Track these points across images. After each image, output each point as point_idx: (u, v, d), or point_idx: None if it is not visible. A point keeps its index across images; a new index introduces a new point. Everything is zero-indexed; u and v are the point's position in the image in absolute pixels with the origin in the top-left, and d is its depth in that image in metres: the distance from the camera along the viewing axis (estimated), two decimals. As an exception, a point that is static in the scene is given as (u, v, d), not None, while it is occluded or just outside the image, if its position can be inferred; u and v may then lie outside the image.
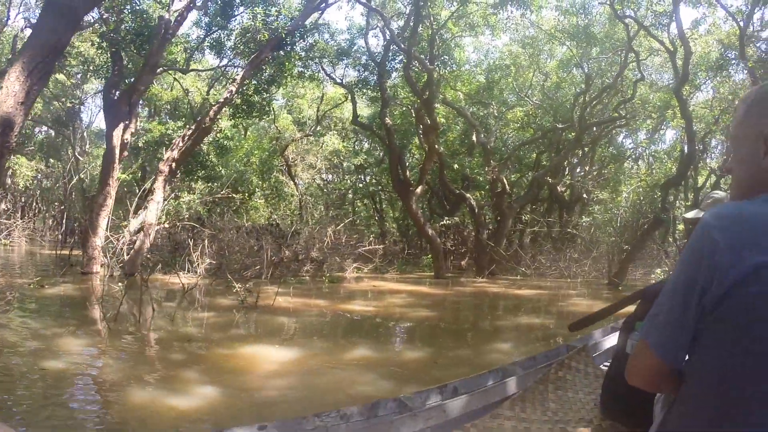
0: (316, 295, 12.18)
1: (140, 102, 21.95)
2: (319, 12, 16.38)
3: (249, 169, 20.19)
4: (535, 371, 3.42)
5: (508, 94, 20.29)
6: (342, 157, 22.64)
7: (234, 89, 15.00)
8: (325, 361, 6.34)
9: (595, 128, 19.45)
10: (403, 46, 14.86)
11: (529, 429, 2.75)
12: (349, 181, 24.03)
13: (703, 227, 1.09)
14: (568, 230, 17.31)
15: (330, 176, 26.78)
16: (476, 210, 17.37)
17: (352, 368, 6.16)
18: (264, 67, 17.19)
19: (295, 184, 22.26)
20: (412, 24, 14.87)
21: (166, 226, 16.76)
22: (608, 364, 3.27)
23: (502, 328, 8.67)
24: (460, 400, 2.82)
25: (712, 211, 1.12)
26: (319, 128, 23.96)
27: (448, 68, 18.40)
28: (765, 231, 1.03)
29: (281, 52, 16.88)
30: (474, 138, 18.83)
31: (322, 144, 21.94)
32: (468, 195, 17.63)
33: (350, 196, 25.19)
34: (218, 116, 15.50)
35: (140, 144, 19.57)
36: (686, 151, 16.58)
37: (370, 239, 19.56)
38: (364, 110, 20.86)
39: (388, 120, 15.85)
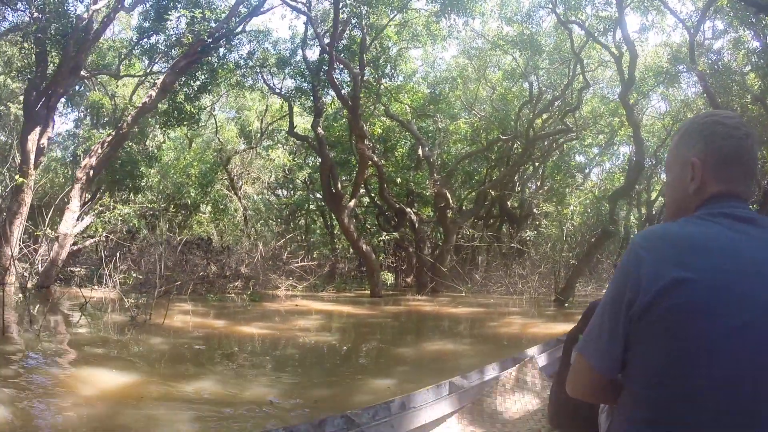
0: (222, 315, 11.20)
1: (84, 109, 21.17)
2: (246, 19, 15.58)
3: (188, 182, 19.20)
4: (482, 384, 3.41)
5: (457, 107, 19.64)
6: (288, 171, 21.75)
7: (153, 94, 14.13)
8: (150, 391, 5.39)
9: (545, 142, 18.87)
10: (327, 48, 14.08)
11: None
12: (299, 195, 23.07)
13: (631, 246, 1.23)
14: (512, 245, 16.50)
15: (284, 191, 25.86)
16: (416, 225, 16.55)
17: (175, 403, 5.20)
18: (197, 74, 16.42)
19: (238, 198, 21.32)
20: (332, 24, 14.12)
21: (101, 238, 15.86)
22: (555, 374, 3.31)
23: (402, 357, 7.46)
24: (408, 414, 2.81)
25: (640, 232, 1.29)
26: (269, 142, 23.15)
27: (392, 80, 17.72)
28: (684, 248, 1.16)
29: (213, 59, 16.11)
30: (420, 152, 18.14)
31: (267, 158, 21.05)
32: (408, 210, 16.84)
33: (303, 212, 24.31)
34: (137, 123, 14.62)
35: (79, 152, 18.66)
36: (634, 159, 15.90)
37: (312, 256, 18.60)
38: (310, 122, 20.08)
39: (320, 130, 15.09)
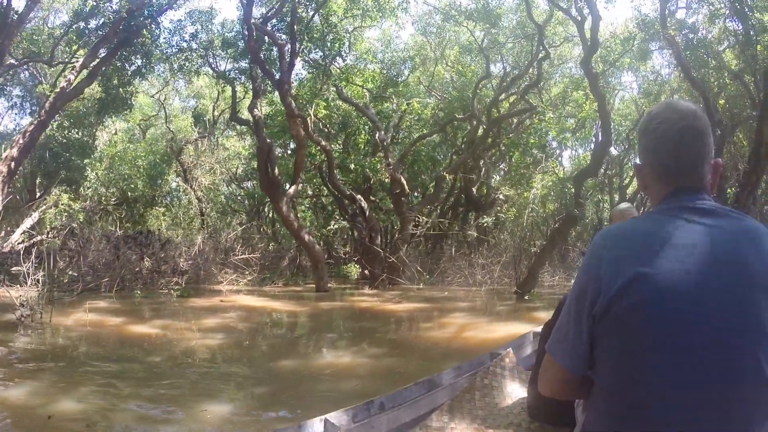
0: (129, 313, 10.28)
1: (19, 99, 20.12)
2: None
3: (135, 174, 18.19)
4: (461, 380, 3.38)
5: (419, 89, 18.51)
6: (247, 161, 20.67)
7: (72, 78, 13.13)
8: None
9: (512, 124, 17.73)
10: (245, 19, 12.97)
11: None
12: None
13: (592, 245, 1.26)
14: (469, 233, 15.38)
15: (251, 183, 24.77)
16: (366, 213, 15.49)
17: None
18: (132, 58, 15.40)
19: (192, 190, 20.32)
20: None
21: (46, 236, 15.00)
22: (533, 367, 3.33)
23: (260, 378, 5.63)
24: (388, 415, 2.78)
25: (601, 231, 1.32)
26: (232, 132, 22.11)
27: (344, 60, 16.66)
28: (642, 246, 1.18)
29: (146, 40, 15.07)
30: (377, 136, 17.06)
31: (221, 146, 19.99)
32: (358, 197, 15.76)
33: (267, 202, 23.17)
34: (58, 110, 13.63)
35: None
36: (600, 137, 14.66)
37: (268, 249, 17.54)
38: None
39: (256, 111, 14.03)
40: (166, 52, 16.56)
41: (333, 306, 12.20)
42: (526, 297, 13.28)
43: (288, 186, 14.30)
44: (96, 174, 18.42)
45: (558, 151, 19.33)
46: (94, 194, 18.37)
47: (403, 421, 2.84)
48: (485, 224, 15.56)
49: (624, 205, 3.66)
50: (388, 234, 18.31)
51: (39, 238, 15.35)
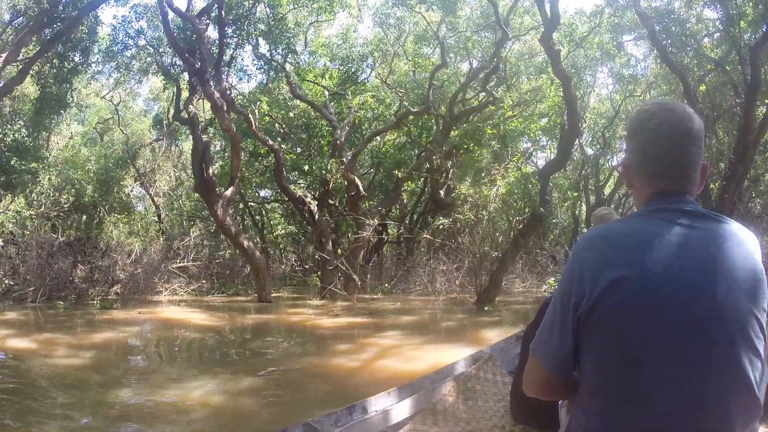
0: (23, 325, 9.52)
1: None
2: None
3: (84, 178, 17.30)
4: (443, 384, 3.35)
5: (378, 85, 17.51)
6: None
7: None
8: None
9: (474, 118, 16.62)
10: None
11: None
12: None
13: (576, 249, 1.27)
14: (425, 236, 14.25)
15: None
16: (316, 217, 14.46)
17: None
18: (68, 54, 14.53)
19: (150, 195, 19.45)
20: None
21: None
22: (515, 370, 3.36)
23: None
24: (371, 418, 2.78)
25: (584, 234, 1.35)
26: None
27: (292, 56, 15.71)
28: (625, 247, 1.19)
29: (82, 36, 14.22)
30: (334, 136, 16.09)
31: (177, 150, 19.09)
32: (308, 200, 14.75)
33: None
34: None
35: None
36: (566, 124, 13.26)
37: (218, 256, 16.52)
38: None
39: (191, 107, 13.10)
40: (112, 50, 15.73)
41: (259, 320, 11.14)
42: (486, 308, 12.13)
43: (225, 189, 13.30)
44: (49, 179, 17.57)
45: (533, 152, 18.26)
46: (46, 200, 17.49)
47: (386, 425, 2.82)
48: (440, 226, 14.37)
49: (604, 210, 3.74)
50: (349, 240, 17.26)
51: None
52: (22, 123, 15.99)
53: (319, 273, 15.08)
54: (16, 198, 16.57)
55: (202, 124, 15.34)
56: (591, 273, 1.17)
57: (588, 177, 18.38)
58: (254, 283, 13.54)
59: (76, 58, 14.65)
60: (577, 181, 18.22)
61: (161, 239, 17.44)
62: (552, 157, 14.45)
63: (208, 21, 12.74)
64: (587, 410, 1.23)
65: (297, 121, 17.95)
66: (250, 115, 13.82)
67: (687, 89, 13.88)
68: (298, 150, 18.33)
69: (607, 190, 18.71)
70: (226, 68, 14.34)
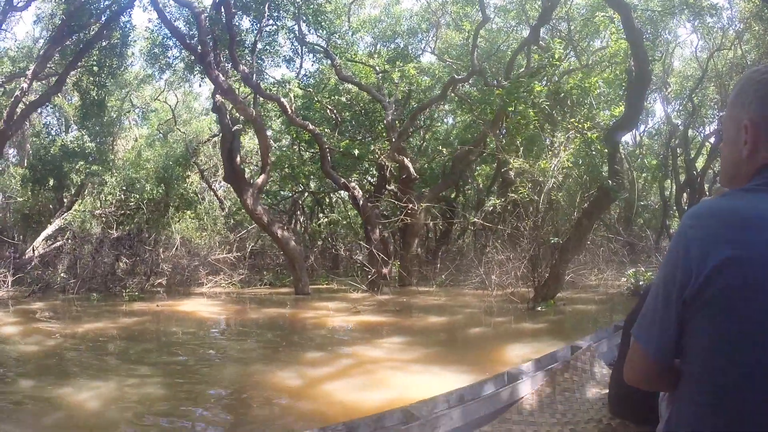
0: (34, 314, 9.41)
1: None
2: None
3: (143, 177, 17.53)
4: (541, 374, 3.28)
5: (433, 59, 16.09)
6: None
7: (26, 86, 12.45)
8: None
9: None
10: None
11: None
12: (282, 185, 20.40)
13: (681, 226, 1.15)
14: (475, 220, 12.57)
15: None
16: (360, 203, 13.37)
17: None
18: (105, 60, 14.60)
19: (213, 191, 19.41)
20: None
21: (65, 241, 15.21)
22: (614, 362, 3.22)
23: None
24: (467, 407, 2.77)
25: (689, 210, 1.18)
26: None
27: (331, 36, 14.85)
28: (733, 225, 1.07)
29: (115, 42, 14.25)
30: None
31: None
32: (352, 185, 13.70)
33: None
34: (27, 118, 13.17)
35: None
36: (633, 68, 10.49)
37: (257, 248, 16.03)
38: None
39: (218, 97, 12.55)
40: (154, 52, 15.75)
41: (264, 314, 10.24)
42: (540, 308, 9.91)
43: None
44: (114, 180, 18.08)
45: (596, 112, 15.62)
46: (112, 200, 18.02)
47: (482, 413, 2.77)
48: (492, 208, 12.57)
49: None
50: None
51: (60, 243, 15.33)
52: (84, 130, 16.61)
53: (364, 264, 13.99)
54: (83, 199, 17.24)
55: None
56: (698, 252, 1.07)
57: (676, 151, 15.63)
58: (292, 275, 12.70)
59: (114, 64, 14.78)
60: (666, 157, 15.57)
61: (223, 233, 17.26)
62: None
63: (227, 8, 12.10)
64: (689, 399, 1.13)
65: (356, 107, 17.03)
66: (283, 100, 13.07)
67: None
68: (358, 136, 17.40)
69: (699, 164, 15.83)
70: (258, 56, 13.79)
